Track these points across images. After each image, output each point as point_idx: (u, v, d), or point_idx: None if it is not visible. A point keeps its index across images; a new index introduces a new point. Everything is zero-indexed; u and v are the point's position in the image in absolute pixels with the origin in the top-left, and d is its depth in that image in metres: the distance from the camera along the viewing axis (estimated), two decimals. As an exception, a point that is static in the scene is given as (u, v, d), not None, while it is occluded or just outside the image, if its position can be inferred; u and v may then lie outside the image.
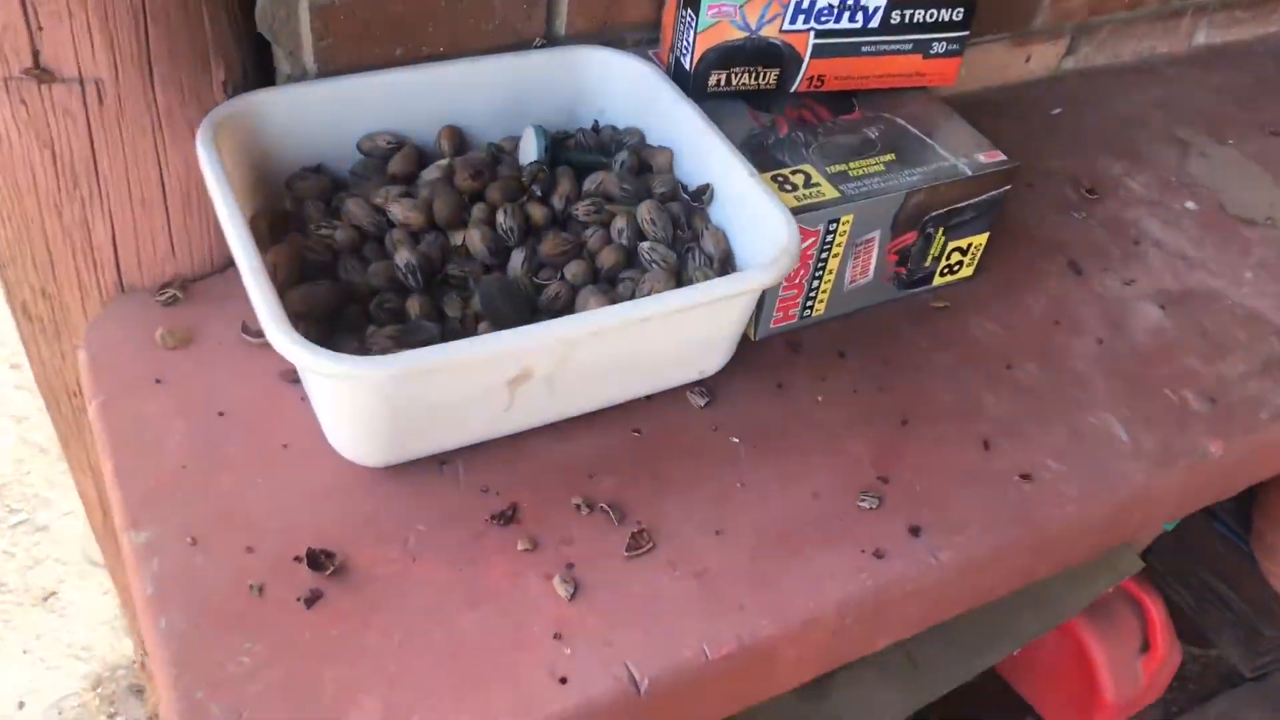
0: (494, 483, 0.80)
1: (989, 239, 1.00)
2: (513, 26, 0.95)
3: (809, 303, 0.94)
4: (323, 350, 0.67)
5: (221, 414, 0.81)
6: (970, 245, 0.99)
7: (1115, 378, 0.96)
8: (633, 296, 0.83)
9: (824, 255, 0.91)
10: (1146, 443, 0.91)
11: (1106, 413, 0.93)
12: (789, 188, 0.89)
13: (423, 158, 0.92)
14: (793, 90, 0.98)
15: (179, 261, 0.89)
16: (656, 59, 1.01)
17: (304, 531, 0.75)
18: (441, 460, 0.80)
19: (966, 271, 1.02)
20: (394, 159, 0.90)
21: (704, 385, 0.89)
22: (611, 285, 0.85)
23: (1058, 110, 1.31)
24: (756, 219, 0.84)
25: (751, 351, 0.92)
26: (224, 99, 0.84)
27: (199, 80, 0.81)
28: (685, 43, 0.94)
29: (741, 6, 0.91)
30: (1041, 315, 1.01)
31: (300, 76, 0.89)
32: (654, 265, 0.85)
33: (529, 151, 0.91)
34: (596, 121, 0.99)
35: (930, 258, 0.98)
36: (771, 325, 0.93)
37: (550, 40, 0.98)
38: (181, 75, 0.80)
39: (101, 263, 0.86)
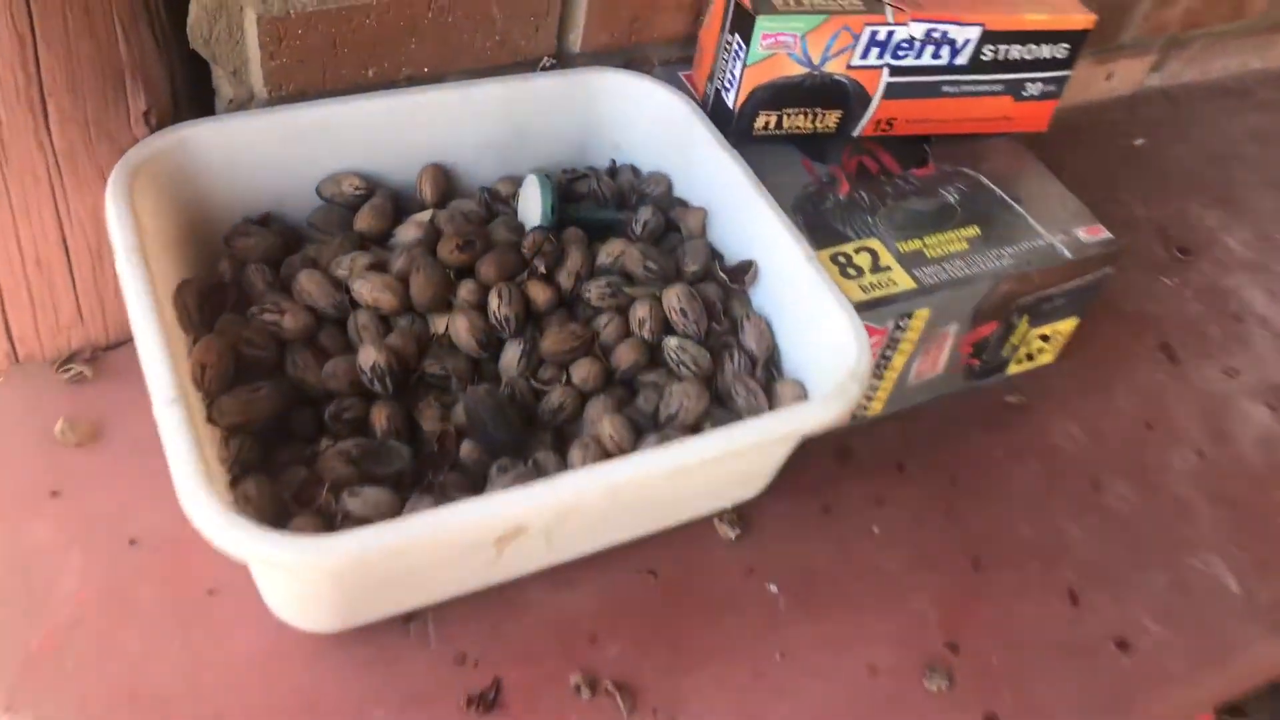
0: (473, 648, 0.63)
1: (1079, 322, 0.83)
2: (515, 43, 0.77)
3: (865, 401, 0.77)
4: (261, 532, 0.50)
5: (133, 542, 0.64)
6: (1056, 332, 0.83)
7: (1220, 504, 0.80)
8: (656, 413, 0.66)
9: (888, 353, 0.74)
10: (1261, 595, 0.75)
11: (1212, 553, 0.77)
12: (852, 272, 0.71)
13: (399, 207, 0.74)
14: (854, 133, 0.80)
15: (89, 328, 0.71)
16: (689, 84, 0.82)
17: (230, 715, 0.59)
18: (408, 617, 0.64)
19: (1046, 358, 0.85)
20: (362, 211, 0.71)
21: (736, 510, 0.72)
22: (629, 393, 0.68)
23: (1140, 140, 1.13)
24: (814, 317, 0.67)
25: (793, 461, 0.76)
26: (146, 134, 0.65)
27: (111, 114, 0.63)
28: (729, 75, 0.76)
29: (803, 36, 0.73)
30: (1132, 416, 0.85)
31: (247, 103, 0.71)
32: (683, 368, 0.68)
33: (531, 209, 0.73)
34: (614, 162, 0.81)
35: (1009, 346, 0.81)
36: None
37: (561, 60, 0.80)
38: (87, 109, 0.62)
39: (-13, 331, 0.68)
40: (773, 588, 0.69)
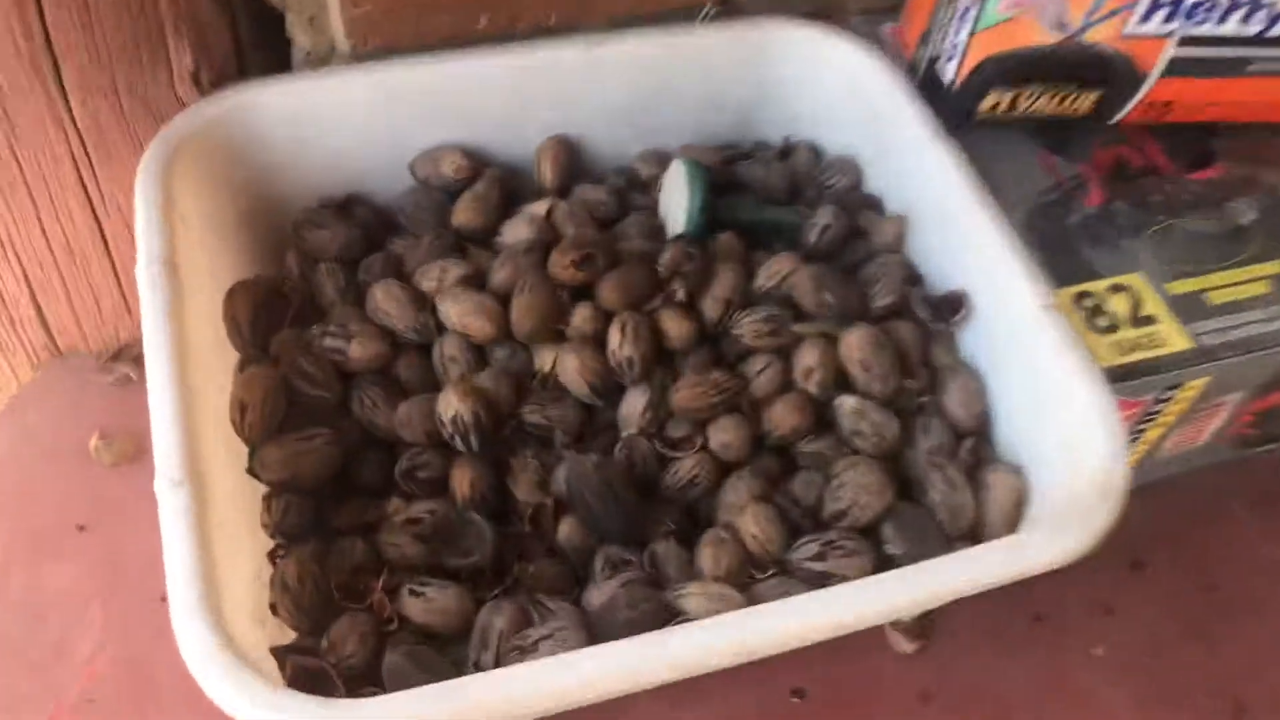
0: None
1: (1396, 385, 0.62)
2: (671, -16, 0.60)
3: (1093, 477, 0.59)
4: (255, 693, 0.37)
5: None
6: (1366, 396, 0.62)
7: None
8: (818, 506, 0.49)
9: (1140, 428, 0.55)
10: None
11: None
12: (1102, 322, 0.53)
13: (511, 192, 0.59)
14: (1114, 120, 0.60)
15: (139, 320, 0.59)
16: (895, 41, 0.64)
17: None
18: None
19: (1344, 425, 0.65)
20: (461, 201, 0.57)
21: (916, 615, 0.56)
22: (784, 466, 0.52)
23: None
24: (1044, 385, 0.49)
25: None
26: (194, 98, 0.52)
27: (148, 77, 0.50)
28: (949, 41, 0.57)
29: (1064, -9, 0.53)
30: None
31: (327, 58, 0.56)
32: (859, 440, 0.51)
33: (674, 207, 0.57)
34: (788, 139, 0.63)
35: (1299, 413, 0.61)
36: (1027, 506, 0.59)
37: (729, 6, 0.62)
38: (114, 73, 0.48)
39: (20, 320, 0.57)
40: (956, 728, 0.53)
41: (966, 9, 0.55)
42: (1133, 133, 0.62)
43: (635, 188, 0.61)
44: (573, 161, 0.60)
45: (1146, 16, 0.54)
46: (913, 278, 0.57)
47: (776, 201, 0.60)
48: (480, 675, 0.38)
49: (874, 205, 0.60)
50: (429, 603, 0.45)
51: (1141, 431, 0.55)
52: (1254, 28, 0.56)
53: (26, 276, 0.55)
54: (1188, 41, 0.56)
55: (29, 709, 0.49)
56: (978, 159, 0.57)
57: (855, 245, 0.59)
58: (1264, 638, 0.57)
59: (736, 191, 0.61)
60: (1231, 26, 0.56)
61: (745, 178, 0.61)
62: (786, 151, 0.63)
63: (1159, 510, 0.61)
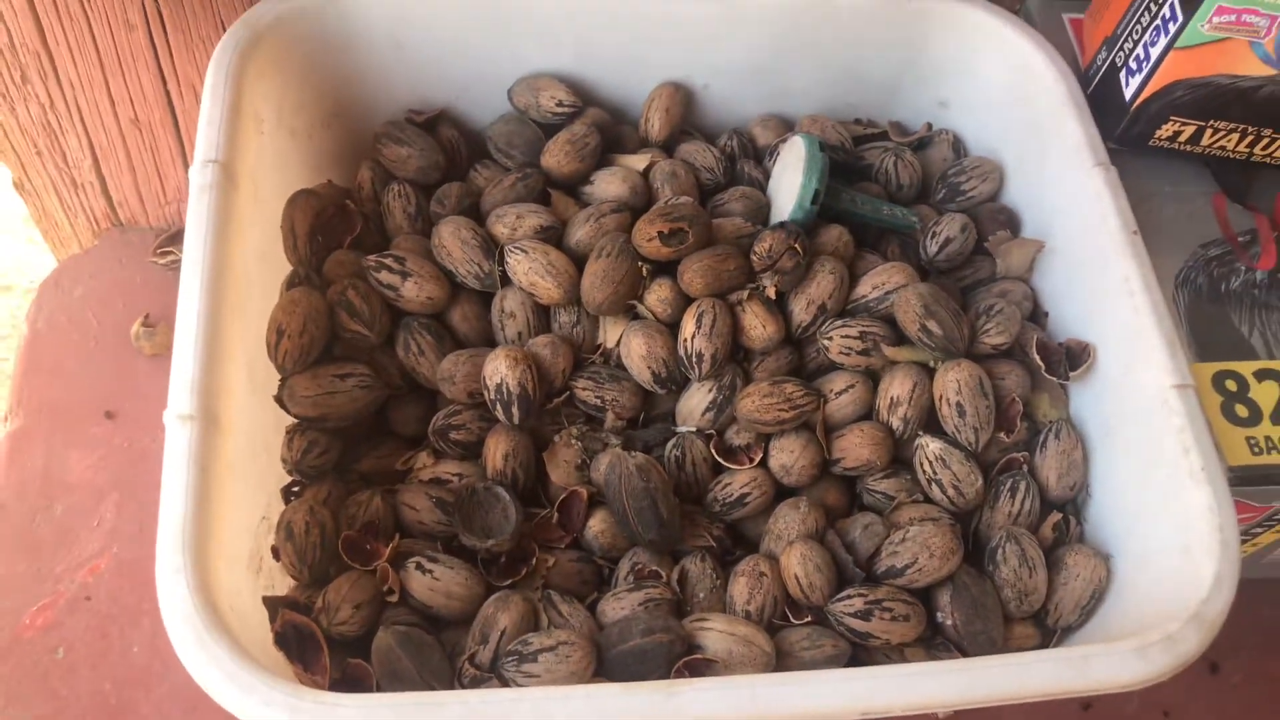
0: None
1: None
2: (833, -65, 0.52)
3: (1188, 566, 0.52)
4: (228, 670, 0.34)
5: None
6: None
7: None
8: (874, 556, 0.45)
9: (1255, 531, 0.49)
10: None
11: None
12: (1242, 412, 0.46)
13: (612, 138, 0.54)
14: (1310, 173, 0.52)
15: (203, 205, 0.56)
16: (1074, 37, 0.56)
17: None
18: None
19: None
20: (555, 141, 0.52)
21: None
22: (848, 500, 0.47)
23: None
24: (1154, 470, 0.43)
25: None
26: (286, -18, 0.47)
27: (237, -50, 0.45)
28: (1140, 49, 0.49)
29: (1286, 21, 0.45)
30: None
31: (438, -44, 0.51)
32: (936, 489, 0.46)
33: (785, 187, 0.51)
34: (930, 126, 0.57)
35: None
36: (1107, 581, 0.53)
37: (894, -34, 0.55)
38: (200, -61, 0.44)
39: (83, 184, 0.54)
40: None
41: (1168, 19, 0.47)
42: (1327, 189, 0.54)
43: (748, 154, 0.55)
44: (685, 114, 0.55)
45: (1380, 64, 0.46)
46: (1035, 315, 0.51)
47: (901, 200, 0.54)
48: (458, 696, 0.34)
49: (1010, 222, 0.53)
50: (435, 581, 0.42)
51: (1255, 535, 0.49)
52: None
53: (91, 141, 0.52)
54: None
55: (23, 592, 0.48)
56: (1142, 188, 0.50)
57: (979, 264, 0.52)
58: (1340, 779, 0.51)
59: (857, 179, 0.55)
60: None
61: (871, 165, 0.55)
62: (925, 141, 0.56)
63: (1251, 613, 0.55)
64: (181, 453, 0.37)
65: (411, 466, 0.47)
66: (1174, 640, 0.38)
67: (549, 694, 0.35)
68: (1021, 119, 0.53)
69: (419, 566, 0.42)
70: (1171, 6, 0.47)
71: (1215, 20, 0.45)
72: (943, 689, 0.37)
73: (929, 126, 0.57)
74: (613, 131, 0.54)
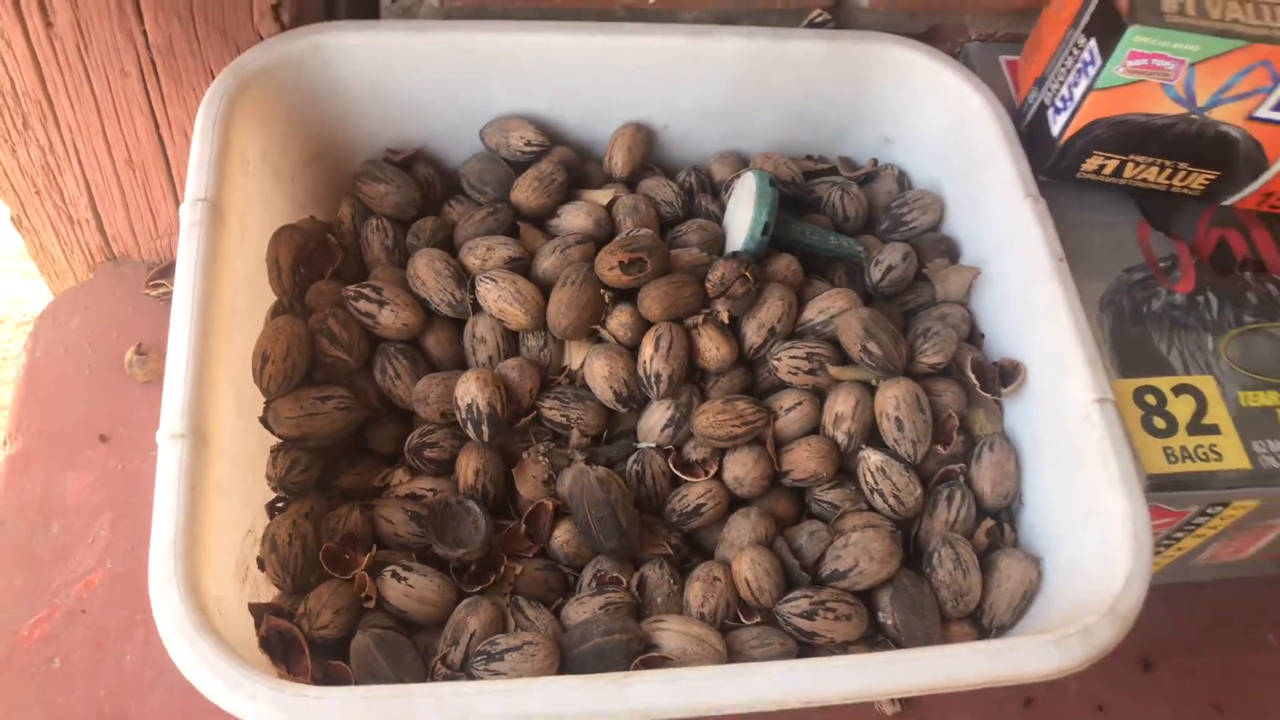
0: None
1: None
2: (781, -15, 0.57)
3: (1122, 571, 0.56)
4: (214, 665, 0.37)
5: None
6: None
7: None
8: (819, 562, 0.48)
9: (1177, 535, 0.52)
10: None
11: None
12: (1160, 424, 0.50)
13: (578, 173, 0.57)
14: (1226, 203, 0.56)
15: (194, 239, 0.60)
16: (1010, 76, 0.60)
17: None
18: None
19: None
20: (523, 178, 0.55)
21: (901, 677, 0.54)
22: (798, 509, 0.51)
23: None
24: (1078, 480, 0.46)
25: (999, 622, 0.57)
26: (273, 32, 0.51)
27: (227, 4, 0.49)
28: (1064, 91, 0.53)
29: (1193, 65, 0.49)
30: None
31: (415, 9, 0.55)
32: (879, 498, 0.49)
33: (739, 219, 0.54)
34: (876, 161, 0.61)
35: (1359, 544, 0.57)
36: (1047, 587, 0.57)
37: (841, 15, 0.59)
38: (193, -6, 0.48)
39: (79, 220, 0.58)
40: (921, 802, 0.52)
41: (1087, 63, 0.51)
42: (1245, 216, 0.58)
43: (706, 189, 0.59)
44: (647, 152, 0.58)
45: (1281, 104, 0.50)
46: (972, 335, 0.55)
47: (848, 230, 0.58)
48: (428, 688, 0.37)
49: (949, 251, 0.57)
50: (410, 588, 0.45)
51: (1177, 540, 0.52)
52: (1400, 132, 0.51)
53: (87, 180, 0.55)
54: (1322, 137, 0.51)
55: (21, 606, 0.50)
56: (1071, 218, 0.54)
57: (920, 290, 0.56)
58: (1267, 771, 0.55)
59: (807, 212, 0.58)
60: (1375, 127, 0.51)
61: (820, 198, 0.58)
62: (871, 176, 0.60)
63: (1183, 614, 0.59)
64: (173, 469, 0.40)
65: (388, 483, 0.51)
66: (1090, 632, 0.41)
67: (512, 685, 0.38)
68: (960, 154, 0.57)
69: (395, 575, 0.46)
70: (1091, 51, 0.51)
71: (1129, 64, 0.49)
72: (877, 678, 0.40)
73: (874, 162, 0.60)
74: (579, 169, 0.58)
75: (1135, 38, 0.48)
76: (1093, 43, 0.50)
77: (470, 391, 0.48)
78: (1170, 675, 0.57)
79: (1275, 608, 0.59)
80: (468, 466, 0.49)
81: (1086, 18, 0.51)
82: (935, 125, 0.58)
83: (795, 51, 0.56)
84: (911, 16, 0.59)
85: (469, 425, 0.48)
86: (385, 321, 0.50)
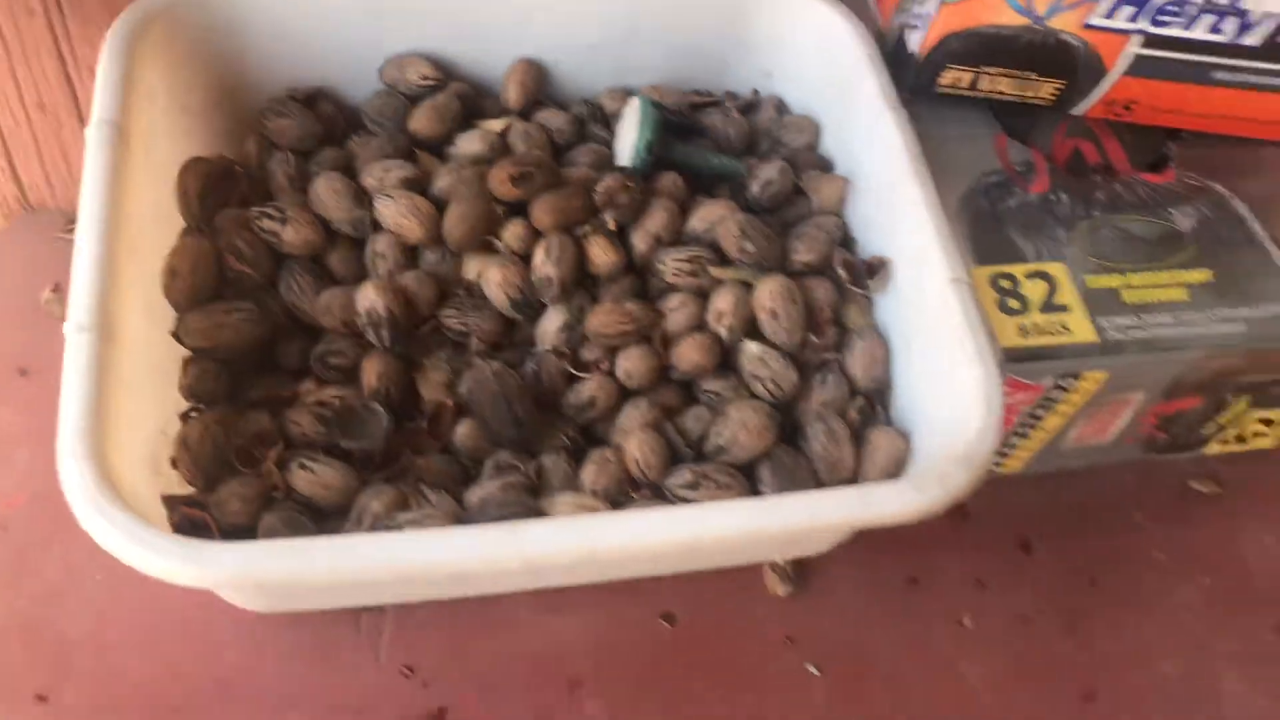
0: (427, 662, 0.53)
1: (1321, 412, 0.63)
2: (657, -77, 0.60)
3: (998, 456, 0.60)
4: (125, 527, 0.40)
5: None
6: (1285, 419, 0.62)
7: None
8: (703, 440, 0.51)
9: (1039, 413, 0.56)
10: None
11: None
12: (1014, 304, 0.54)
13: (473, 108, 0.61)
14: (1075, 111, 0.60)
15: (109, 184, 0.62)
16: (875, 5, 0.64)
17: (132, 670, 0.51)
18: (362, 610, 0.54)
19: (1264, 442, 0.65)
20: (419, 108, 0.59)
21: (793, 561, 0.58)
22: (686, 400, 0.54)
23: None
24: (941, 355, 0.50)
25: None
26: (175, -28, 0.54)
27: (128, -59, 0.52)
28: (920, 11, 0.57)
29: (1027, -25, 0.53)
30: (1364, 544, 0.64)
31: (312, -50, 0.58)
32: (757, 384, 0.53)
33: (625, 142, 0.58)
34: (756, 92, 0.65)
35: (1213, 425, 0.62)
36: (930, 477, 0.60)
37: (715, -48, 0.63)
38: (93, -69, 0.51)
39: (-5, 168, 0.60)
40: (812, 669, 0.55)
41: (934, -19, 0.55)
42: (1097, 127, 0.63)
43: (599, 120, 0.62)
44: (540, 86, 0.62)
45: (1112, 11, 0.55)
46: (845, 240, 0.59)
47: (731, 151, 0.62)
48: (325, 540, 0.40)
49: (825, 166, 0.61)
50: (315, 476, 0.48)
51: (1039, 418, 0.56)
52: (1222, 36, 0.56)
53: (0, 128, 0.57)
54: (1152, 42, 0.56)
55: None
56: (935, 133, 0.58)
57: (798, 202, 0.60)
58: (1130, 639, 0.58)
59: (693, 136, 0.62)
60: (1199, 32, 0.56)
61: (706, 125, 0.62)
62: (752, 105, 0.64)
63: (1057, 499, 0.63)
64: (79, 360, 0.43)
65: (298, 394, 0.53)
66: (944, 476, 0.45)
67: (408, 535, 0.41)
68: (831, 79, 0.61)
69: (301, 465, 0.48)
70: (937, -31, 0.55)
71: (970, -23, 0.54)
72: (749, 517, 0.43)
73: (756, 93, 0.64)
74: (476, 103, 0.61)
75: (972, -49, 0.53)
76: (938, -40, 0.55)
77: (369, 297, 0.51)
78: (1047, 555, 0.61)
79: (1141, 489, 0.64)
80: (371, 371, 0.52)
81: (933, -61, 0.56)
82: (809, 55, 0.62)
83: (674, -15, 0.60)
84: (785, -48, 0.63)
85: (369, 330, 0.51)
86: (288, 238, 0.53)
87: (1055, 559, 0.61)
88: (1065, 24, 0.55)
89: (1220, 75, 0.58)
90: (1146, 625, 0.59)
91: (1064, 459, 0.62)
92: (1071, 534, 0.62)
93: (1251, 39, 0.56)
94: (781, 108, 0.64)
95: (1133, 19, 0.55)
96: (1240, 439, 0.64)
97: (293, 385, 0.54)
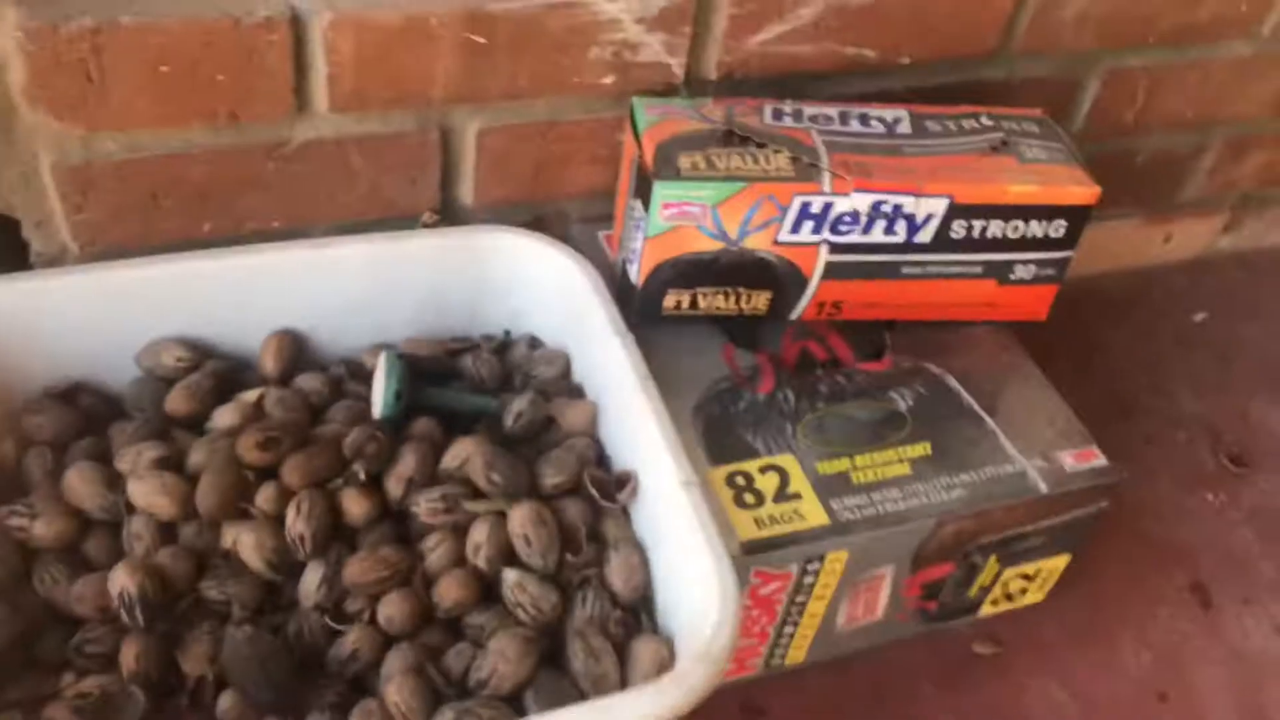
0: None
1: (1072, 559, 0.67)
2: (388, 197, 0.66)
3: (778, 650, 0.62)
4: None
5: None
6: (1040, 570, 0.66)
7: (1247, 818, 0.62)
8: (464, 678, 0.52)
9: (800, 599, 0.59)
10: None
11: None
12: (750, 499, 0.57)
13: (234, 383, 0.63)
14: (792, 317, 0.66)
15: None
16: (607, 246, 0.70)
17: None
18: None
19: (1034, 597, 0.69)
20: (173, 391, 0.61)
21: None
22: (444, 646, 0.55)
23: (1201, 315, 0.95)
24: (685, 557, 0.53)
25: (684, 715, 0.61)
26: (-80, 293, 0.57)
27: None
28: (633, 247, 0.63)
29: (714, 207, 0.60)
30: (1139, 679, 0.68)
31: (59, 258, 0.62)
32: (520, 611, 0.54)
33: (376, 395, 0.61)
34: (507, 333, 0.69)
35: (977, 587, 0.65)
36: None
37: (454, 214, 0.69)
38: None
39: None
40: None
41: (640, 219, 0.62)
42: (819, 327, 0.69)
43: (358, 377, 0.65)
44: (297, 354, 0.65)
45: (796, 227, 0.61)
46: (601, 459, 0.62)
47: (486, 390, 0.65)
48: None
49: (578, 392, 0.65)
50: (63, 773, 0.47)
51: (802, 604, 0.59)
52: (897, 237, 0.63)
53: None
54: (839, 249, 0.63)
55: None
56: (668, 351, 0.63)
57: (553, 429, 0.63)
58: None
59: (449, 380, 0.66)
60: (877, 236, 0.63)
61: (461, 368, 0.66)
62: (505, 344, 0.69)
63: (848, 685, 0.64)
64: None
65: (58, 689, 0.53)
66: (682, 676, 0.47)
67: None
68: (569, 313, 0.66)
69: (48, 763, 0.47)
70: (639, 209, 0.61)
71: (665, 213, 0.60)
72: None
73: (507, 333, 0.69)
74: (236, 378, 0.64)
75: (662, 191, 0.59)
76: (639, 202, 0.61)
77: (119, 580, 0.52)
78: (844, 738, 0.62)
79: (928, 659, 0.66)
80: (129, 653, 0.52)
81: (634, 184, 0.62)
82: (549, 293, 0.67)
83: (414, 249, 0.65)
84: (515, 209, 0.70)
85: (123, 612, 0.52)
86: (39, 532, 0.54)
87: (850, 741, 0.62)
88: (758, 243, 0.62)
89: (908, 270, 0.65)
90: (944, 795, 0.60)
91: (845, 642, 0.64)
92: (864, 715, 0.63)
93: (923, 236, 0.63)
94: (534, 343, 0.69)
95: (816, 231, 0.62)
96: (1009, 597, 0.68)
97: (54, 681, 0.53)
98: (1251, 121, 0.89)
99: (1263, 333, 0.95)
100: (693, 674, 0.47)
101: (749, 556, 0.55)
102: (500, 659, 0.51)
